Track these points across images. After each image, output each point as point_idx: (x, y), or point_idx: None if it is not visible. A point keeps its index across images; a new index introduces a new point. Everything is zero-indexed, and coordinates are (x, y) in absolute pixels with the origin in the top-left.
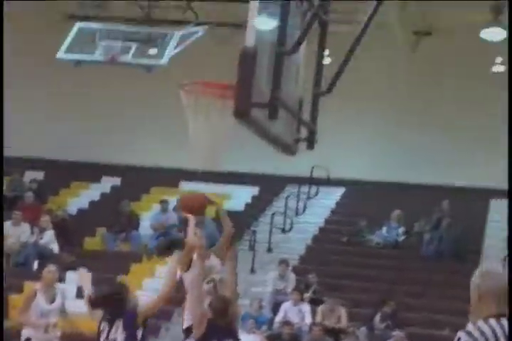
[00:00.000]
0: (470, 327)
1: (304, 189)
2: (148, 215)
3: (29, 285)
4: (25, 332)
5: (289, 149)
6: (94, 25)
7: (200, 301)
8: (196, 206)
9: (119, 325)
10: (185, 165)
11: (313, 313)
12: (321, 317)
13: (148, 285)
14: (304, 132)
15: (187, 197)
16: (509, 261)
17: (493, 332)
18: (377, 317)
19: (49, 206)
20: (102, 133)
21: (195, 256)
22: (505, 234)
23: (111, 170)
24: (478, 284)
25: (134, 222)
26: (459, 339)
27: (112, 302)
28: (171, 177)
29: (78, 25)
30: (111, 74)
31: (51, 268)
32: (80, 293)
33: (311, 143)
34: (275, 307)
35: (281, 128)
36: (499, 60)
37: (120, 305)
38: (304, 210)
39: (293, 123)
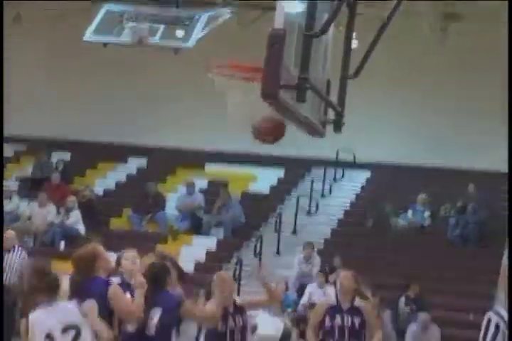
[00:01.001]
0: (499, 308)
1: (330, 172)
2: (174, 196)
3: (56, 265)
4: None
5: (316, 132)
6: (121, 6)
7: None
8: (275, 130)
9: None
10: (211, 147)
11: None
12: None
13: None
14: (331, 115)
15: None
16: (509, 257)
17: None
18: (402, 301)
19: (75, 187)
20: (128, 114)
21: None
22: None
23: (137, 151)
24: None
25: (160, 203)
26: (489, 320)
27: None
28: (197, 158)
29: (106, 6)
30: (136, 56)
31: None
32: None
33: (338, 125)
34: (300, 290)
35: (308, 111)
36: None
37: (159, 283)
38: (329, 193)
39: (320, 105)
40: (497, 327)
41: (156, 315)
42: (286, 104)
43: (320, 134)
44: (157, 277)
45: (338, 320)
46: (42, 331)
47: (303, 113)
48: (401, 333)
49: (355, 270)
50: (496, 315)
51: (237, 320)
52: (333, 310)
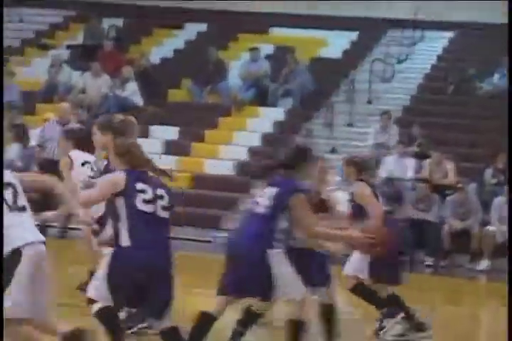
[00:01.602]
0: None
1: (408, 33)
2: (237, 64)
3: None
4: None
5: None
6: None
7: None
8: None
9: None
10: (276, 9)
11: (419, 168)
12: (427, 173)
13: (239, 140)
14: None
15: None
16: (509, 255)
17: None
18: (489, 172)
19: (130, 55)
20: None
21: None
22: None
23: (196, 15)
24: None
25: (222, 71)
26: None
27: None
28: (261, 22)
29: None
30: None
31: None
32: (167, 149)
33: None
34: (376, 162)
35: None
36: None
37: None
38: (407, 57)
39: None
40: None
41: (268, 194)
42: None
43: None
44: (291, 161)
45: None
46: (79, 161)
47: None
48: (486, 206)
49: (436, 139)
50: None
51: None
52: None
